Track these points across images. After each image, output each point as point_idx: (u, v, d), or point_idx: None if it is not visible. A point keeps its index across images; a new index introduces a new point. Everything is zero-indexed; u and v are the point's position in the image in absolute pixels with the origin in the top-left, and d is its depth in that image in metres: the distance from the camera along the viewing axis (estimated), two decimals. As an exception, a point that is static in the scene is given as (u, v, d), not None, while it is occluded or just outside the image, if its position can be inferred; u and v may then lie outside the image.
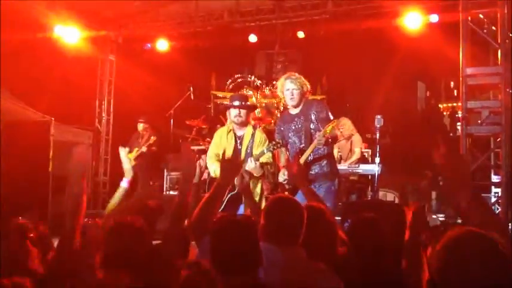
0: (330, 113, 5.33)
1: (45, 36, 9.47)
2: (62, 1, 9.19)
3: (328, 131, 5.00)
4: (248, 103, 5.92)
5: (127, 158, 9.58)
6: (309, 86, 5.37)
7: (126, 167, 3.82)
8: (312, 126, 5.26)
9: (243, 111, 5.63)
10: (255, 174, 5.42)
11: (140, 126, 9.63)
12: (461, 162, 2.63)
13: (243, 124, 5.69)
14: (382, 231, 3.43)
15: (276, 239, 2.67)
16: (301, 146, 5.30)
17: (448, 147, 2.55)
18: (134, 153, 9.46)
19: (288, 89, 5.32)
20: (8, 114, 9.44)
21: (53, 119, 9.45)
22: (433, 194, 7.96)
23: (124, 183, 3.77)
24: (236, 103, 5.65)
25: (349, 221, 3.73)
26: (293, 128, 5.39)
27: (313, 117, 5.27)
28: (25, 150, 8.90)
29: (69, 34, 9.78)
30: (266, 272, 2.45)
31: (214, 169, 5.67)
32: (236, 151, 5.62)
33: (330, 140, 5.12)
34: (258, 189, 5.61)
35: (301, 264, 2.67)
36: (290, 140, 5.42)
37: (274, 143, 5.37)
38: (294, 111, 5.43)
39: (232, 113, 5.65)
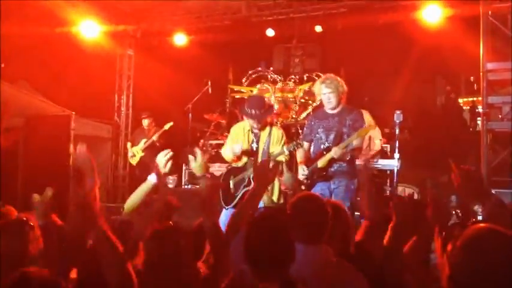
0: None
1: (64, 31, 9.56)
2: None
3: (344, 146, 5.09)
4: (264, 109, 5.74)
5: (132, 151, 9.70)
6: (345, 87, 5.37)
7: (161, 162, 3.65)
8: (344, 129, 5.28)
9: (259, 121, 5.64)
10: None
11: (145, 122, 9.72)
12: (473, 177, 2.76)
13: (262, 128, 5.71)
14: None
15: (300, 237, 2.63)
16: (326, 144, 5.32)
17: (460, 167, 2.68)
18: (142, 144, 9.52)
19: (325, 93, 5.35)
20: (29, 108, 9.56)
21: (73, 113, 9.54)
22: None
23: (153, 178, 3.62)
24: (253, 112, 5.59)
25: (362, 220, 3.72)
26: (324, 125, 5.41)
27: (348, 123, 5.29)
28: (46, 144, 9.01)
29: (88, 29, 9.86)
30: (292, 271, 2.43)
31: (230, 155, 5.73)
32: (251, 148, 5.66)
33: (348, 156, 5.19)
34: (277, 187, 5.62)
35: (327, 263, 2.67)
36: (317, 135, 5.45)
37: (295, 143, 5.42)
38: (330, 111, 5.44)
39: (250, 121, 5.68)
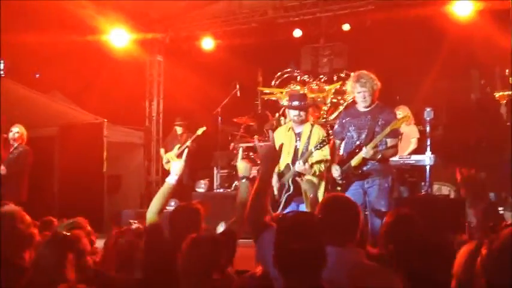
0: (400, 129, 5.35)
1: (95, 40, 9.71)
2: (110, 3, 9.38)
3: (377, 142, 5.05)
4: (307, 101, 5.87)
5: (167, 157, 9.79)
6: (379, 84, 5.30)
7: (180, 164, 3.74)
8: (377, 129, 5.20)
9: (302, 111, 5.62)
10: (306, 174, 5.39)
11: (179, 128, 9.81)
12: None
13: (303, 122, 5.66)
14: (419, 229, 3.31)
15: (331, 239, 2.56)
16: (358, 142, 5.25)
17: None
18: (176, 150, 9.59)
19: (360, 92, 5.28)
20: (62, 117, 9.77)
21: (105, 120, 9.69)
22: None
23: (172, 180, 3.70)
24: (295, 103, 5.64)
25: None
26: (356, 123, 5.34)
27: (380, 122, 5.21)
28: (80, 152, 9.19)
29: (118, 37, 9.98)
30: (324, 274, 2.37)
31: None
32: (294, 148, 5.58)
33: (379, 155, 5.10)
34: (322, 188, 5.53)
35: (359, 265, 2.61)
36: (348, 134, 5.38)
37: (320, 140, 5.34)
38: (362, 109, 5.37)
39: (292, 113, 5.65)
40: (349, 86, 5.48)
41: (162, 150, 10.10)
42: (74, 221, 3.73)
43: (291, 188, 5.48)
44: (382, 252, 3.12)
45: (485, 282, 1.68)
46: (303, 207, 5.40)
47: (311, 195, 5.16)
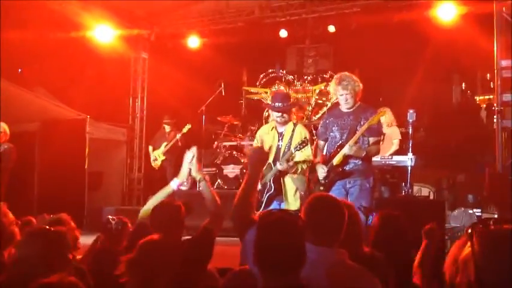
0: (382, 128, 5.35)
1: (79, 36, 9.64)
2: (96, 1, 9.33)
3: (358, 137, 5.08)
4: (290, 103, 5.76)
5: (154, 155, 9.80)
6: (361, 85, 5.34)
7: (183, 170, 3.74)
8: (358, 127, 5.24)
9: (285, 113, 5.55)
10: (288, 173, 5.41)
11: (167, 128, 9.81)
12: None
13: (286, 122, 5.61)
14: (405, 230, 3.35)
15: (315, 239, 2.57)
16: (340, 142, 5.27)
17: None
18: (163, 148, 9.61)
19: (342, 94, 5.31)
20: (45, 112, 9.66)
21: (88, 116, 9.62)
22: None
23: (174, 185, 3.74)
24: (278, 104, 5.54)
25: (371, 217, 3.65)
26: (339, 123, 5.37)
27: (362, 121, 5.25)
28: (61, 148, 9.09)
29: (103, 33, 9.92)
30: (304, 272, 2.36)
31: None
32: (276, 148, 5.56)
33: (363, 152, 5.14)
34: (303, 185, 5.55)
35: (340, 265, 2.59)
36: (332, 134, 5.41)
37: (300, 141, 5.34)
38: (345, 110, 5.41)
39: (275, 113, 5.58)
40: (331, 88, 5.51)
41: (150, 148, 10.10)
42: (58, 217, 3.71)
43: (272, 187, 5.46)
44: (372, 251, 3.14)
45: (473, 274, 1.69)
46: (284, 207, 5.42)
47: (302, 192, 5.19)
